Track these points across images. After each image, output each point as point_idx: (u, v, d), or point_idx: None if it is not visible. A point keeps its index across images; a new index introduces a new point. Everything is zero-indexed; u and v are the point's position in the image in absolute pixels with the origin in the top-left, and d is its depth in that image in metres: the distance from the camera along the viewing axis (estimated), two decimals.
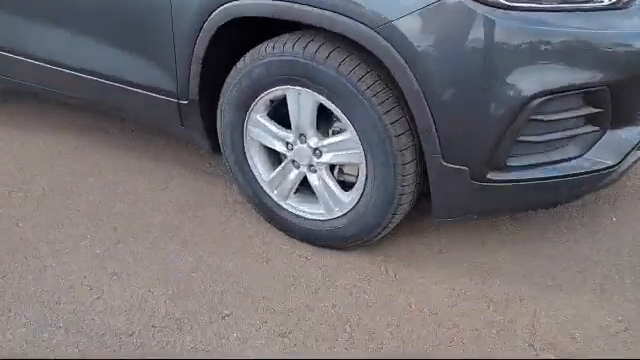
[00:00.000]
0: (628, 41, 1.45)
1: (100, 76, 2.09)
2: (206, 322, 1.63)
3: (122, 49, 1.97)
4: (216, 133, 1.95)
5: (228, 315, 1.65)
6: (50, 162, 2.45)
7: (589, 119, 1.54)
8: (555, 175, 1.56)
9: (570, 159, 1.57)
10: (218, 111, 1.86)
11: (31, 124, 2.74)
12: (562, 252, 1.83)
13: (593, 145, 1.58)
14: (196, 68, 1.80)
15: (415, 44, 1.41)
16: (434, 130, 1.49)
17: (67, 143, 2.57)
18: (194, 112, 1.93)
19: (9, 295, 1.74)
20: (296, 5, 1.54)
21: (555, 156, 1.56)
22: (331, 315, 1.64)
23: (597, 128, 1.56)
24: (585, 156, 1.58)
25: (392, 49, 1.43)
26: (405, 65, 1.43)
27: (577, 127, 1.54)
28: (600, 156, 1.59)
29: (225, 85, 1.80)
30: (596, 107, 1.51)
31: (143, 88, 1.99)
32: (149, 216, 2.08)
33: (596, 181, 1.63)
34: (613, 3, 1.42)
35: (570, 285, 1.71)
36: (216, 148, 2.02)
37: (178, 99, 1.93)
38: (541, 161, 1.55)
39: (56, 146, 2.56)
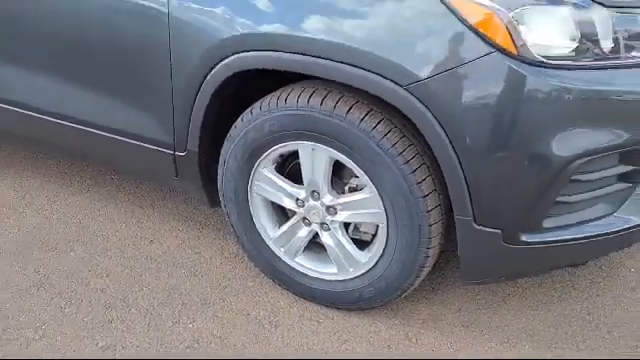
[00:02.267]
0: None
1: (87, 124, 1.91)
2: None
3: (113, 97, 1.81)
4: (214, 185, 1.80)
5: None
6: (22, 211, 2.24)
7: (622, 177, 1.46)
8: (588, 235, 1.48)
9: (602, 217, 1.49)
10: (220, 164, 1.72)
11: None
12: (587, 309, 1.75)
13: (624, 202, 1.51)
14: (197, 120, 1.65)
15: (449, 103, 1.31)
16: (466, 192, 1.38)
17: (40, 189, 2.37)
18: (191, 164, 1.77)
19: None
20: (311, 58, 1.42)
21: (587, 215, 1.48)
22: None
23: (629, 185, 1.49)
24: (616, 214, 1.50)
25: (423, 107, 1.32)
26: (437, 124, 1.33)
27: (610, 185, 1.47)
28: (631, 213, 1.51)
29: (229, 137, 1.65)
30: (630, 164, 1.44)
31: (135, 138, 1.83)
32: (140, 275, 1.91)
33: (627, 239, 1.56)
34: (577, 51, 1.34)
35: (601, 344, 1.62)
36: (214, 201, 1.87)
37: (174, 151, 1.78)
38: (574, 221, 1.47)
39: (28, 191, 2.36)
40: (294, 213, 1.69)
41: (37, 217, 2.22)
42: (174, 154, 1.78)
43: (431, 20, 1.31)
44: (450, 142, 1.34)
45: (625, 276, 1.89)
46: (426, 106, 1.32)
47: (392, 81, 1.32)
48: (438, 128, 1.33)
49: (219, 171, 1.73)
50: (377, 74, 1.33)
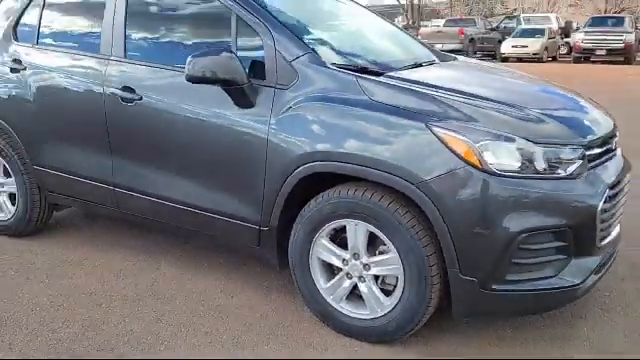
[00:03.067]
0: (578, 198, 2.21)
1: (197, 207, 2.80)
2: None
3: (221, 189, 2.71)
4: (284, 252, 2.62)
5: None
6: (136, 273, 3.08)
7: (560, 250, 2.24)
8: (538, 288, 2.23)
9: (548, 277, 2.25)
10: (291, 235, 2.55)
11: (111, 245, 3.41)
12: (543, 346, 2.44)
13: (563, 269, 2.26)
14: (279, 205, 2.51)
15: (441, 194, 2.15)
16: (454, 253, 2.17)
17: (147, 258, 3.23)
18: (271, 236, 2.61)
19: None
20: (359, 167, 2.30)
21: (538, 275, 2.24)
22: None
23: (565, 256, 2.26)
24: (558, 276, 2.26)
25: (426, 197, 2.17)
26: (435, 208, 2.16)
27: (551, 255, 2.24)
28: (568, 277, 2.27)
29: (299, 217, 2.50)
30: (563, 241, 2.22)
31: (237, 220, 2.68)
32: (226, 316, 2.68)
33: (566, 295, 2.30)
34: (569, 174, 2.20)
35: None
36: (283, 265, 2.67)
37: (260, 226, 2.62)
38: (529, 278, 2.23)
39: (138, 259, 3.22)
40: (340, 270, 2.48)
41: (148, 278, 3.05)
42: (259, 229, 2.63)
43: (432, 147, 2.18)
44: (443, 220, 2.16)
45: (575, 323, 2.57)
46: (427, 196, 2.16)
47: (407, 180, 2.18)
48: (435, 211, 2.16)
49: (290, 240, 2.56)
50: (397, 176, 2.20)
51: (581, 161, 2.26)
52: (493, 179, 2.13)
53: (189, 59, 2.47)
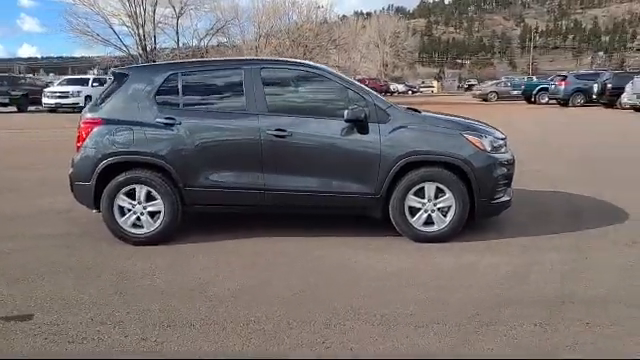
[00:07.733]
0: (510, 159, 5.27)
1: (330, 193, 4.95)
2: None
3: (349, 178, 4.94)
4: (386, 208, 5.01)
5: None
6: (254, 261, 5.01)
7: (505, 184, 5.25)
8: (501, 201, 5.20)
9: (502, 197, 5.23)
10: (392, 197, 4.97)
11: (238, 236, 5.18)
12: (498, 230, 5.41)
13: (505, 193, 5.29)
14: (387, 182, 4.92)
15: (472, 163, 4.94)
16: (478, 189, 4.98)
17: (265, 251, 5.15)
18: (381, 200, 4.98)
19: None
20: (434, 156, 4.93)
21: (500, 195, 5.21)
22: (436, 280, 4.81)
23: (506, 187, 5.29)
24: (504, 196, 5.27)
25: (466, 165, 4.93)
26: (470, 169, 4.94)
27: (503, 186, 5.23)
28: (507, 197, 5.30)
29: (398, 185, 4.95)
30: (507, 180, 5.24)
31: (358, 194, 4.95)
32: (358, 239, 4.90)
33: (507, 204, 5.33)
34: (504, 151, 5.23)
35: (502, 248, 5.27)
36: (385, 217, 5.05)
37: (374, 196, 4.96)
38: (498, 197, 5.18)
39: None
40: (419, 210, 5.02)
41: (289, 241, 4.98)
42: (374, 197, 4.97)
43: (463, 142, 4.96)
44: (473, 174, 4.95)
45: (521, 222, 5.63)
46: (466, 164, 4.93)
47: (457, 159, 4.92)
48: (470, 170, 4.94)
49: (392, 199, 4.98)
50: (452, 157, 4.92)
51: (506, 147, 5.34)
52: (486, 154, 5.04)
53: (346, 111, 4.76)
